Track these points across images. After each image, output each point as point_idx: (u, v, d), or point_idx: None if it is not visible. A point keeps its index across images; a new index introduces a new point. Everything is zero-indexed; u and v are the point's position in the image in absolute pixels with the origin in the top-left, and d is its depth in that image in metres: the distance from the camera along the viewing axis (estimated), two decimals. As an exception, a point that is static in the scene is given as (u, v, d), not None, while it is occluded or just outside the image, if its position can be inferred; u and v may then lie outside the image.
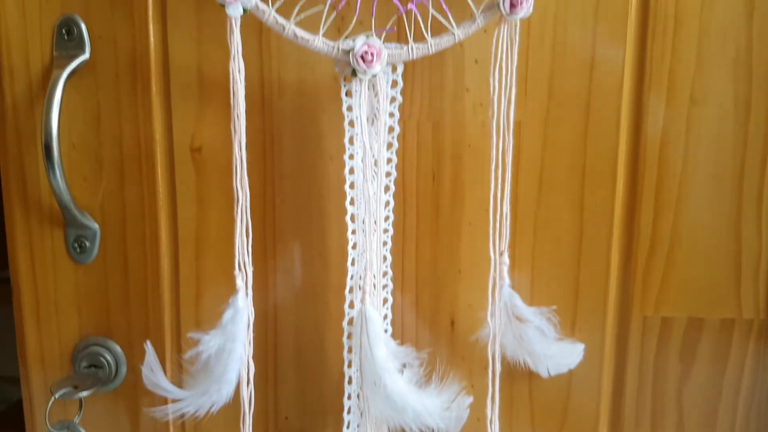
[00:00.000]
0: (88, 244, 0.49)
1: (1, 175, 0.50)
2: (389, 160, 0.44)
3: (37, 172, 0.49)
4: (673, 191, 0.45)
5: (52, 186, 0.46)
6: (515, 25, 0.41)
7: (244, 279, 0.41)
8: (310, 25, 0.41)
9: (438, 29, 0.41)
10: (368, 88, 0.42)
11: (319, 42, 0.41)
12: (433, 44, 0.41)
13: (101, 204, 0.49)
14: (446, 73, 0.46)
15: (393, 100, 0.43)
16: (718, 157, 0.45)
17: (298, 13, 0.40)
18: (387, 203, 0.44)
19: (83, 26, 0.47)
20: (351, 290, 0.44)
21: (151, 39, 0.46)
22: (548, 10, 0.44)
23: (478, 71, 0.45)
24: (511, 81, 0.42)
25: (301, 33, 0.41)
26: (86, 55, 0.47)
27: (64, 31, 0.47)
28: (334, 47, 0.41)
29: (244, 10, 0.40)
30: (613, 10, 0.43)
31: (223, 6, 0.39)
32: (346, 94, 0.42)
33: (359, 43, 0.40)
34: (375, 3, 0.41)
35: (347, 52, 0.41)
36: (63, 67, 0.46)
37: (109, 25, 0.47)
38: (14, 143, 0.49)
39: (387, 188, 0.44)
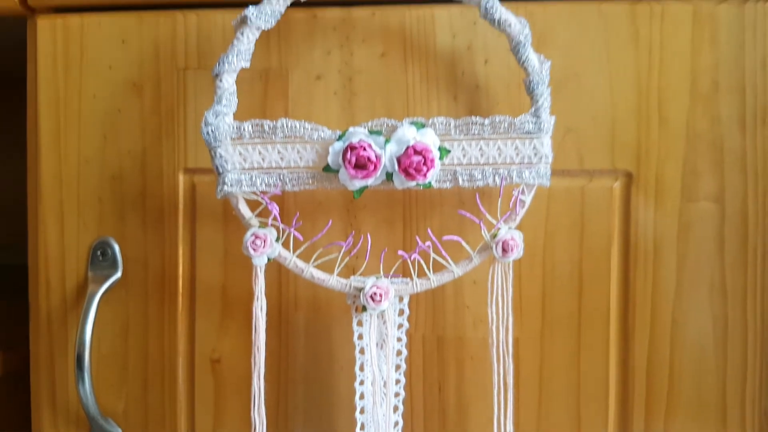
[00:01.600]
0: (111, 449, 0.52)
1: (30, 379, 0.53)
2: (398, 381, 0.48)
3: (66, 379, 0.52)
4: (660, 415, 0.48)
5: (80, 395, 0.50)
6: (509, 264, 0.46)
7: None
8: (326, 265, 0.45)
9: (439, 266, 0.46)
10: (378, 318, 0.46)
11: (333, 281, 0.45)
12: (435, 280, 0.46)
13: (124, 410, 0.52)
14: (447, 291, 0.50)
15: (400, 326, 0.47)
16: (700, 379, 0.48)
17: (315, 259, 0.45)
18: (396, 423, 0.48)
19: (117, 248, 0.51)
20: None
21: (180, 260, 0.51)
22: (537, 245, 0.48)
23: (476, 290, 0.50)
24: (507, 310, 0.46)
25: (317, 274, 0.45)
26: (118, 275, 0.51)
27: (99, 252, 0.51)
28: (347, 285, 0.45)
29: (268, 259, 0.44)
30: (597, 246, 0.48)
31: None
32: (357, 324, 0.46)
33: (369, 285, 0.45)
34: (383, 252, 0.46)
35: (359, 290, 0.45)
36: (98, 285, 0.51)
37: (141, 247, 0.51)
38: (46, 352, 0.52)
39: (396, 408, 0.48)
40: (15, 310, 0.60)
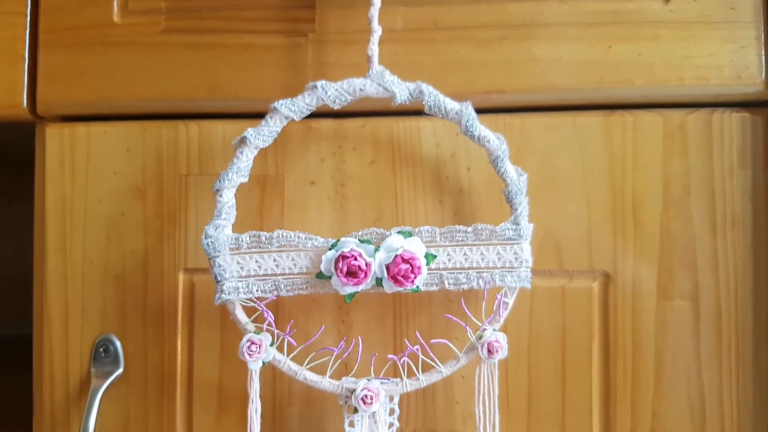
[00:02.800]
0: None
1: (33, 471, 0.55)
2: (388, 478, 0.49)
3: (67, 471, 0.54)
4: None
5: (81, 489, 0.51)
6: (494, 364, 0.48)
7: None
8: (319, 366, 0.47)
9: (428, 366, 0.48)
10: (369, 418, 0.48)
11: (326, 383, 0.47)
12: (424, 380, 0.48)
13: (124, 503, 0.53)
14: (437, 386, 0.52)
15: (391, 425, 0.49)
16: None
17: (308, 362, 0.47)
18: None
19: (119, 345, 0.53)
20: None
21: (179, 356, 0.53)
22: (522, 343, 0.51)
23: (465, 385, 0.52)
24: (494, 407, 0.48)
25: (310, 376, 0.47)
26: (120, 370, 0.53)
27: (101, 349, 0.53)
28: (338, 386, 0.47)
29: (263, 363, 0.46)
30: (579, 343, 0.50)
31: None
32: (349, 425, 0.48)
33: (360, 387, 0.47)
34: (374, 357, 0.48)
35: (351, 391, 0.47)
36: (101, 381, 0.53)
37: (141, 343, 0.53)
38: (49, 445, 0.54)
39: (387, 505, 0.49)
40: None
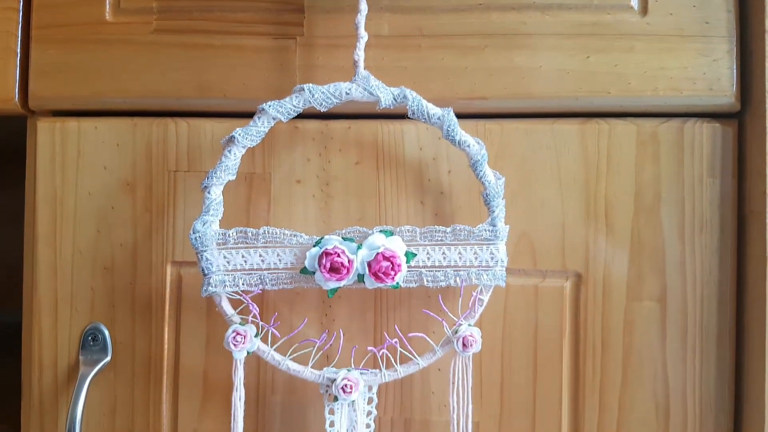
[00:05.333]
0: None
1: (21, 456, 0.56)
2: (366, 465, 0.52)
3: (55, 456, 0.55)
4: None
5: (68, 473, 0.53)
6: (469, 357, 0.50)
7: None
8: (302, 356, 0.49)
9: (406, 358, 0.50)
10: (348, 406, 0.50)
11: (308, 373, 0.49)
12: (402, 371, 0.50)
13: (110, 486, 0.55)
14: (414, 377, 0.54)
15: (369, 413, 0.51)
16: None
17: (291, 353, 0.49)
18: (364, 505, 0.51)
19: (107, 333, 0.55)
20: None
21: (165, 346, 0.55)
22: (496, 337, 0.53)
23: (441, 377, 0.54)
24: (467, 398, 0.50)
25: (293, 366, 0.49)
26: (108, 358, 0.55)
27: (90, 337, 0.55)
28: (320, 376, 0.49)
29: (248, 353, 0.48)
30: (550, 339, 0.53)
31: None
32: (329, 412, 0.50)
33: (340, 377, 0.49)
34: (354, 349, 0.50)
35: (331, 380, 0.49)
36: (89, 368, 0.54)
37: (129, 333, 0.55)
38: (37, 431, 0.56)
39: (364, 491, 0.51)
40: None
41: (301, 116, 0.50)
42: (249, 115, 0.49)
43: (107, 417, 0.55)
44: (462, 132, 0.48)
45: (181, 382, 0.55)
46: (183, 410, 0.55)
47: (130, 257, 0.55)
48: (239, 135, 0.47)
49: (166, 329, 0.55)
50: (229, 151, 0.47)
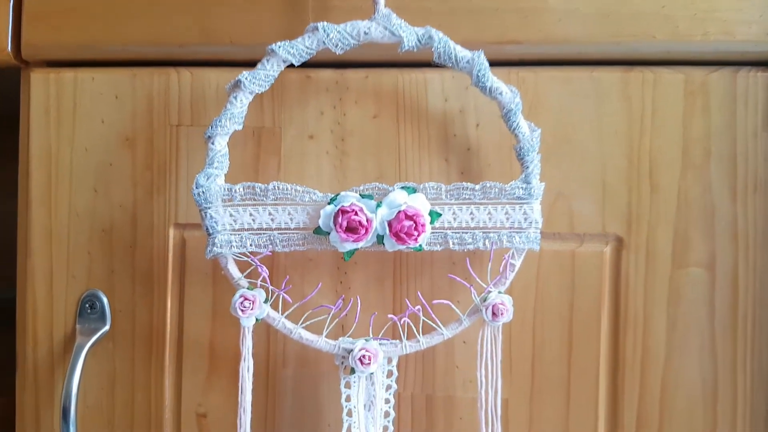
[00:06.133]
0: (94, 506, 0.51)
1: (16, 430, 0.53)
2: (385, 443, 0.47)
3: (51, 431, 0.52)
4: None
5: (65, 449, 0.49)
6: (498, 328, 0.46)
7: None
8: (315, 325, 0.45)
9: (429, 328, 0.46)
10: (366, 379, 0.46)
11: (322, 342, 0.45)
12: (424, 342, 0.46)
13: (110, 464, 0.52)
14: (438, 351, 0.50)
15: (389, 387, 0.47)
16: (689, 443, 0.48)
17: (304, 321, 0.45)
18: (382, 486, 0.47)
19: (105, 301, 0.51)
20: None
21: (168, 314, 0.51)
22: (528, 307, 0.48)
23: (466, 350, 0.49)
24: (496, 372, 0.46)
25: (306, 335, 0.45)
26: (107, 327, 0.51)
27: (87, 305, 0.51)
28: (335, 346, 0.45)
29: (257, 320, 0.44)
30: (587, 310, 0.48)
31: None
32: (345, 386, 0.46)
33: (357, 347, 0.44)
34: (373, 317, 0.46)
35: (348, 351, 0.45)
36: (86, 338, 0.50)
37: (129, 301, 0.51)
38: (32, 404, 0.52)
39: (382, 471, 0.47)
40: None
41: (314, 64, 0.46)
42: (257, 63, 0.45)
43: (106, 391, 0.52)
44: (494, 78, 0.43)
45: (185, 354, 0.51)
46: (187, 384, 0.51)
47: (129, 219, 0.51)
48: (246, 79, 0.42)
49: (169, 296, 0.51)
50: (235, 98, 0.43)
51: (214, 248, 0.43)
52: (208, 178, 0.43)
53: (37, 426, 0.52)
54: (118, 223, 0.51)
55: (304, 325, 0.45)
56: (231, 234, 0.44)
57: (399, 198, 0.43)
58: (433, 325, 0.45)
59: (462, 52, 0.43)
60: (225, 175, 0.45)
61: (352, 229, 0.43)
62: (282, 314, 0.45)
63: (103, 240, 0.51)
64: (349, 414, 0.46)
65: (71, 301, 0.51)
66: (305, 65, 0.46)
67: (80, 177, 0.51)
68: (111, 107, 0.50)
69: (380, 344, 0.45)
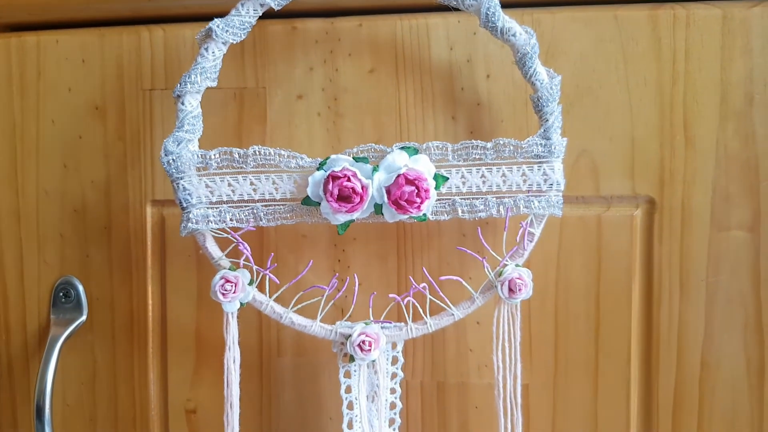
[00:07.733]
0: None
1: (-8, 431, 0.48)
2: (391, 438, 0.43)
3: (30, 429, 0.47)
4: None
5: (42, 450, 0.45)
6: (516, 305, 0.40)
7: None
8: (309, 309, 0.40)
9: (437, 308, 0.40)
10: (368, 367, 0.41)
11: (316, 327, 0.40)
12: (432, 324, 0.40)
13: (92, 466, 0.47)
14: (448, 333, 0.45)
15: (394, 376, 0.42)
16: (733, 429, 0.43)
17: (295, 303, 0.40)
18: (390, 484, 0.42)
19: (81, 288, 0.46)
20: None
21: (150, 301, 0.46)
22: (549, 282, 0.43)
23: (480, 331, 0.45)
24: (515, 356, 0.41)
25: (298, 320, 0.40)
26: (83, 317, 0.46)
27: (61, 293, 0.46)
28: (332, 332, 0.40)
29: (241, 304, 0.39)
30: (616, 281, 0.43)
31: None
32: (345, 375, 0.41)
33: (356, 332, 0.39)
34: (372, 296, 0.41)
35: (346, 337, 0.40)
36: (61, 329, 0.46)
37: (107, 287, 0.47)
38: (8, 402, 0.48)
39: (389, 468, 0.43)
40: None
41: (301, 13, 0.41)
42: (235, 12, 0.39)
43: (86, 386, 0.47)
44: (506, 17, 0.38)
45: (170, 344, 0.46)
46: (173, 377, 0.46)
47: (103, 197, 0.46)
48: (218, 27, 0.37)
49: (149, 281, 0.46)
50: (206, 49, 0.38)
51: (189, 224, 0.38)
52: (178, 144, 0.38)
53: (14, 425, 0.48)
54: (91, 201, 0.46)
55: (296, 308, 0.40)
56: (208, 207, 0.38)
57: (398, 160, 0.38)
58: (442, 304, 0.40)
59: (467, -11, 0.37)
60: (199, 141, 0.39)
61: (344, 198, 0.37)
62: (270, 297, 0.40)
63: (75, 221, 0.46)
64: (350, 407, 0.41)
65: (44, 289, 0.47)
66: (291, 14, 0.41)
67: (48, 152, 0.46)
68: (78, 73, 0.45)
69: (382, 327, 0.40)
